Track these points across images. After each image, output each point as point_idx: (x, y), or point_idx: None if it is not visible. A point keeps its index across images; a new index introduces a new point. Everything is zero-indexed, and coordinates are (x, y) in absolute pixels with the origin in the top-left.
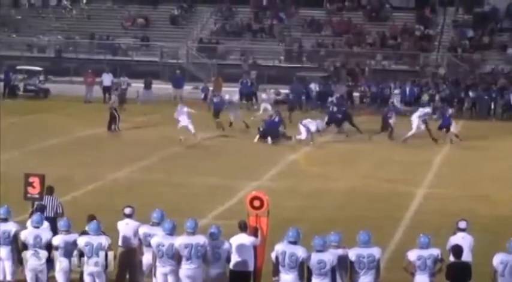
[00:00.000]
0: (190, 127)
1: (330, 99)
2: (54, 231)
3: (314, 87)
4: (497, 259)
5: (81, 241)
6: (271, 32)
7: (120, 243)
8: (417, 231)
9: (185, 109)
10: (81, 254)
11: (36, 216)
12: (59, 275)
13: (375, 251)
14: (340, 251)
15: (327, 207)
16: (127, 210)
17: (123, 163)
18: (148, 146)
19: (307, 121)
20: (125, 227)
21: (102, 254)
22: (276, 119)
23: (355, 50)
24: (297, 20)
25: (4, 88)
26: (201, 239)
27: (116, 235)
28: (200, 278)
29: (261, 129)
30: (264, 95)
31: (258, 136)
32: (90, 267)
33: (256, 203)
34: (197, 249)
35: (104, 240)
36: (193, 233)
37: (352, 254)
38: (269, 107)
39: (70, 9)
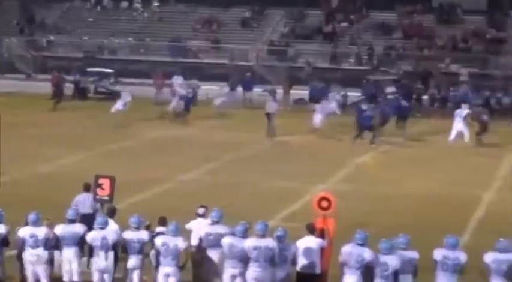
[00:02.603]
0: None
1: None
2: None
3: (390, 90)
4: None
5: (158, 241)
6: (341, 35)
7: (192, 242)
8: (486, 235)
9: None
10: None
11: (100, 218)
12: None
13: (462, 256)
14: (408, 254)
15: (394, 212)
16: (200, 210)
17: (192, 165)
18: (217, 149)
19: None
20: (197, 226)
21: (176, 254)
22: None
23: (426, 53)
24: (368, 22)
25: (74, 90)
26: (270, 242)
27: (186, 235)
28: (267, 281)
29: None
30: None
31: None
32: (165, 267)
33: (324, 204)
34: (265, 252)
35: (181, 242)
36: (263, 236)
37: (439, 253)
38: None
39: (141, 12)
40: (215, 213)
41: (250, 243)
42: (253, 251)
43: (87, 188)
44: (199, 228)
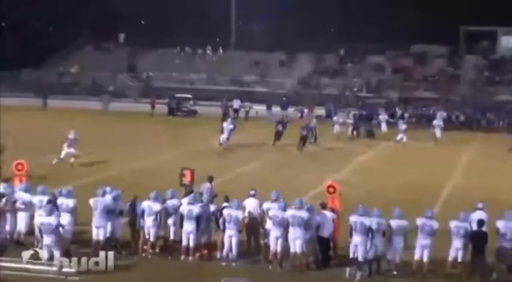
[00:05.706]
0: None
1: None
2: None
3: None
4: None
5: (225, 212)
6: (348, 72)
7: (246, 214)
8: (448, 209)
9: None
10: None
11: (191, 196)
12: None
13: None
14: (401, 222)
15: (387, 194)
16: (252, 192)
17: (243, 163)
18: (265, 151)
19: None
20: (250, 203)
21: (237, 221)
22: None
23: (406, 84)
24: (366, 63)
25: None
26: (303, 213)
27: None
28: (301, 239)
29: None
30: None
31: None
32: (228, 230)
33: (331, 189)
34: (299, 220)
35: (240, 214)
36: (299, 208)
37: (419, 221)
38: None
39: (211, 56)
40: (275, 194)
41: (290, 213)
42: (291, 219)
43: (210, 180)
44: (251, 204)
